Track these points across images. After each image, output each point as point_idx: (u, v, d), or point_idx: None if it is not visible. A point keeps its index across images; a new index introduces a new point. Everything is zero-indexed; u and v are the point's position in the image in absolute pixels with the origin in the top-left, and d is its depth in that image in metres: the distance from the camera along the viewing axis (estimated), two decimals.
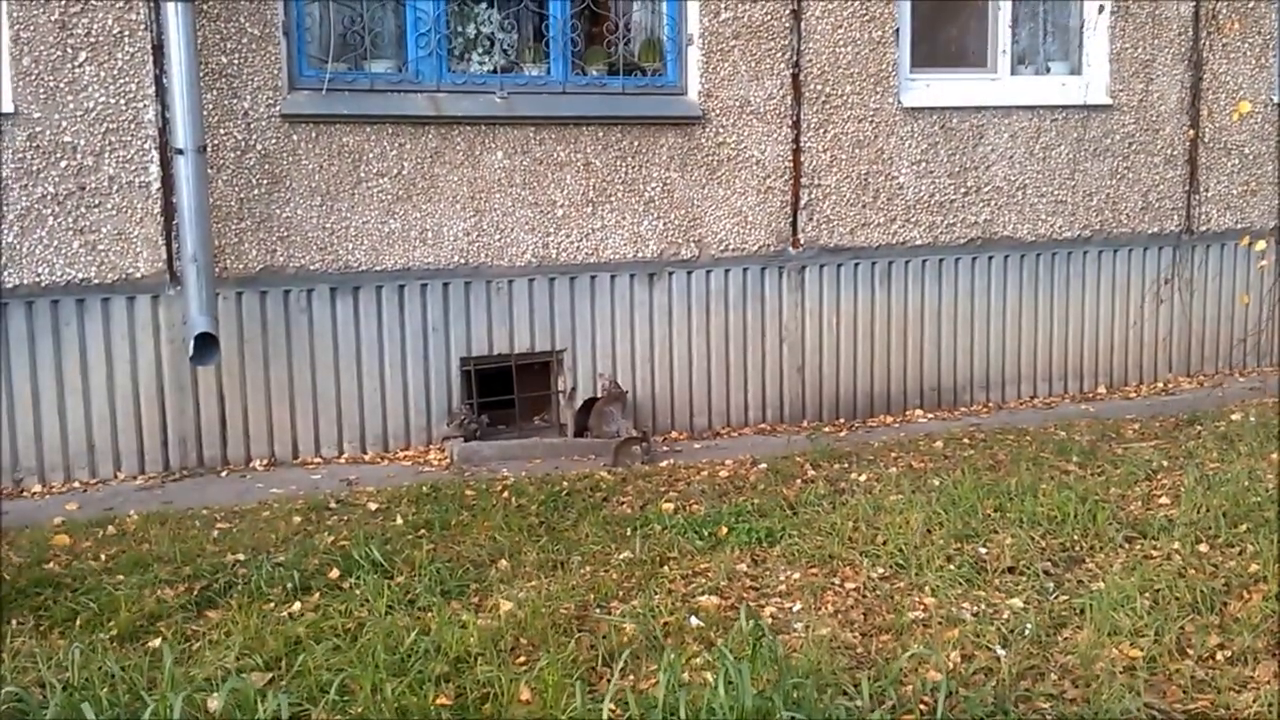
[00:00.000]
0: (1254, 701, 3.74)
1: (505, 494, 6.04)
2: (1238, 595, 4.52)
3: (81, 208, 6.27)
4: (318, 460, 6.81)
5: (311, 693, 3.77)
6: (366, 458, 6.89)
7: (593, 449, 6.98)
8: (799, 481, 6.21)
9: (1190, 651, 4.09)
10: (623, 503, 5.93)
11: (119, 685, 3.81)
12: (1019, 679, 3.93)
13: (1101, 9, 7.95)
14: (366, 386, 6.89)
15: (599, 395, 7.24)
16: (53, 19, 6.10)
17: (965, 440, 7.02)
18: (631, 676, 3.93)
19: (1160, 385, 8.60)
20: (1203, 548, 4.97)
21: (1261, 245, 6.68)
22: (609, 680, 3.77)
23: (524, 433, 7.25)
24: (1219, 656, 4.07)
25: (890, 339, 7.93)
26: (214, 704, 3.59)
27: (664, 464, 6.70)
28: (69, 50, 6.15)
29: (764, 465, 6.53)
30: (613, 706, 3.62)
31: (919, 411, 8.00)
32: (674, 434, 7.48)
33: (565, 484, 6.21)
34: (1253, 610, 4.34)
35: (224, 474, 6.60)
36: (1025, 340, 8.29)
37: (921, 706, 3.64)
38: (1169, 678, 3.93)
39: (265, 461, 6.72)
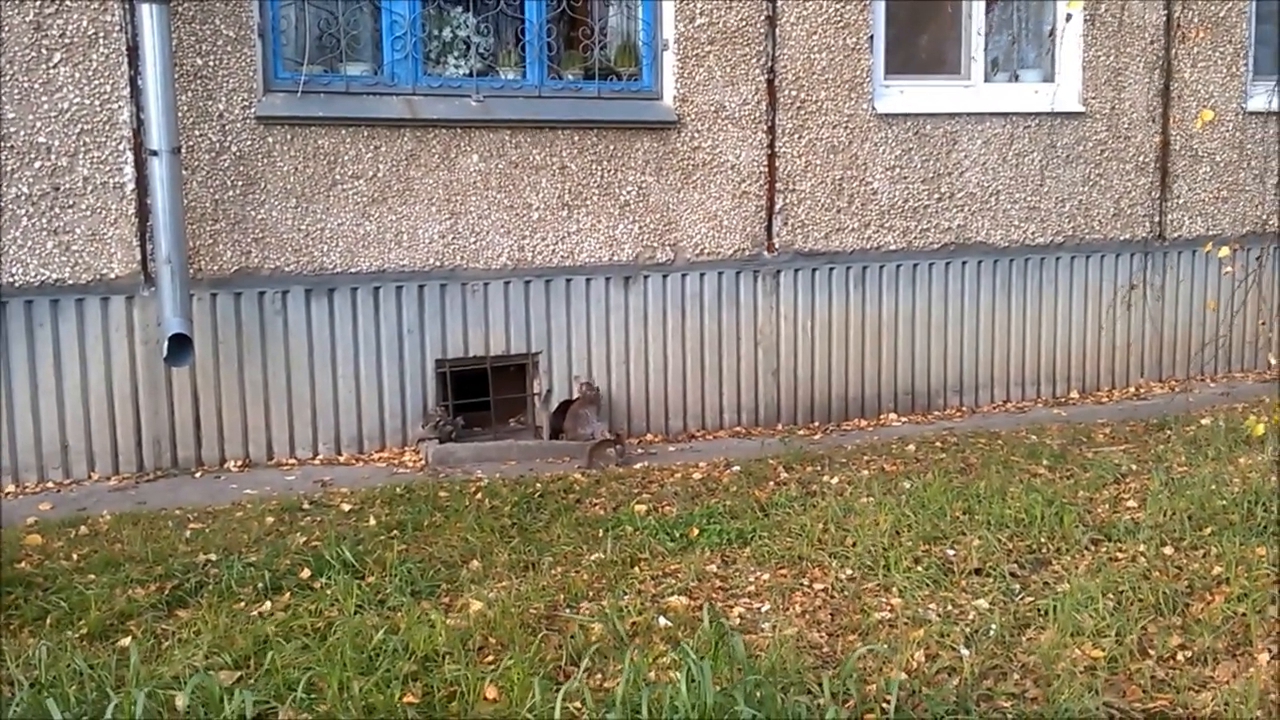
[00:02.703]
0: (1212, 701, 3.79)
1: (479, 495, 6.06)
2: (1200, 597, 4.57)
3: (56, 208, 6.28)
4: (292, 461, 6.82)
5: (279, 691, 3.79)
6: (341, 459, 6.90)
7: (567, 451, 7.01)
8: (771, 484, 6.25)
9: (1151, 652, 4.13)
10: (595, 504, 5.95)
11: (86, 683, 3.82)
12: (981, 678, 3.97)
13: (1069, 17, 8.02)
14: (342, 388, 6.91)
15: (574, 398, 7.28)
16: (27, 20, 6.11)
17: (937, 444, 7.07)
18: (599, 675, 3.96)
19: (1132, 390, 8.67)
20: (1167, 550, 5.02)
21: (1226, 251, 6.74)
22: (575, 679, 3.80)
23: (499, 435, 7.27)
24: (1180, 657, 4.11)
25: (864, 343, 7.98)
26: (181, 701, 3.60)
27: (638, 466, 6.73)
28: (44, 51, 6.16)
29: (737, 468, 6.57)
30: (578, 705, 3.65)
31: (893, 415, 8.06)
32: (649, 436, 7.51)
33: (539, 486, 6.24)
34: (1214, 612, 4.39)
35: (198, 475, 6.60)
36: (998, 345, 8.35)
37: (884, 705, 3.68)
38: (1129, 677, 3.97)
39: (240, 462, 6.73)
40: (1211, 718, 3.72)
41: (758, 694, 3.57)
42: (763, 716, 3.43)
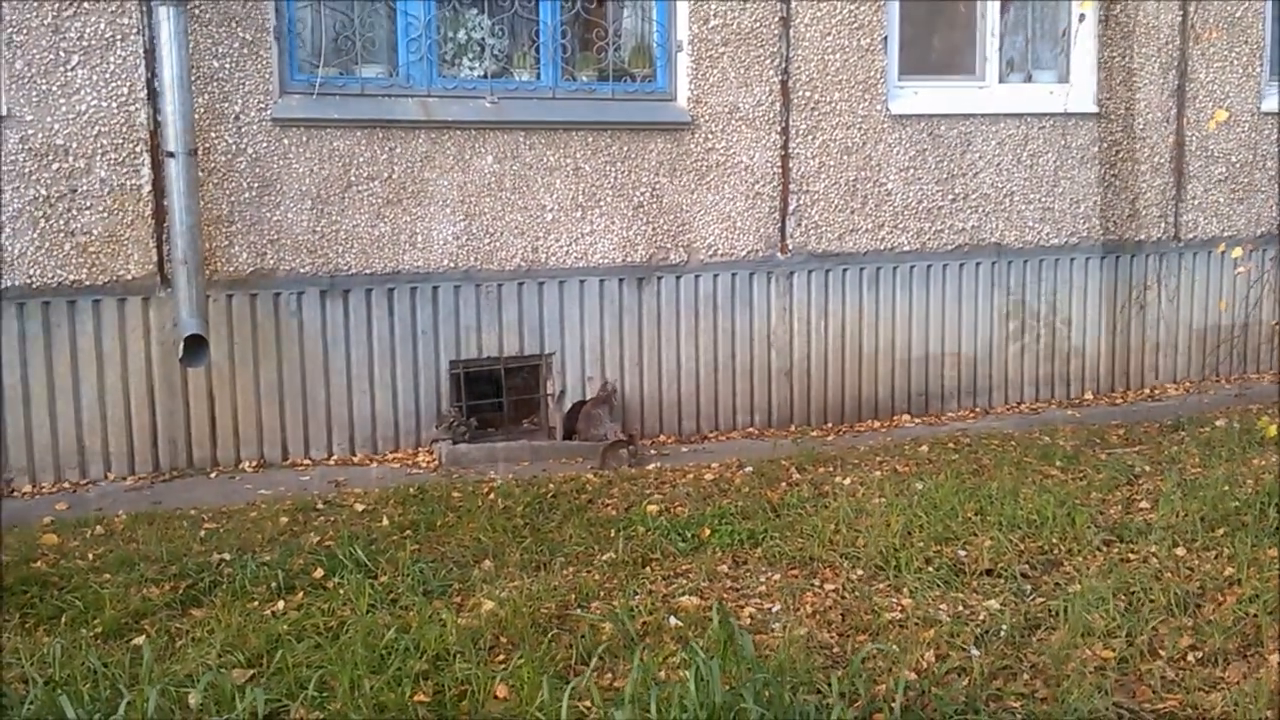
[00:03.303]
0: (1222, 701, 3.78)
1: (491, 495, 6.08)
2: (1212, 598, 4.57)
3: (73, 210, 6.32)
4: (307, 462, 6.85)
5: (291, 689, 3.81)
6: (355, 459, 6.93)
7: (580, 452, 7.03)
8: (783, 485, 6.26)
9: (1162, 652, 4.13)
10: (608, 505, 5.97)
11: (100, 681, 3.85)
12: (991, 678, 3.97)
13: (1082, 17, 8.00)
14: (356, 389, 6.94)
15: (587, 398, 7.29)
16: (45, 22, 6.15)
17: (950, 445, 7.07)
18: (609, 674, 3.97)
19: (1146, 391, 8.65)
20: (1179, 551, 5.02)
21: (1238, 252, 6.73)
22: (584, 678, 3.82)
23: (512, 435, 7.29)
24: (1190, 657, 4.11)
25: (878, 344, 7.98)
26: (193, 699, 3.63)
27: (650, 467, 6.74)
28: (62, 53, 6.20)
29: (749, 469, 6.57)
30: (587, 704, 3.66)
31: (906, 417, 8.05)
32: (662, 437, 7.52)
33: (551, 486, 6.26)
34: (1226, 612, 4.39)
35: (213, 475, 6.64)
36: (1012, 346, 8.33)
37: (892, 705, 3.68)
38: (1140, 678, 3.97)
39: (255, 463, 6.77)
40: (1221, 718, 3.72)
41: (766, 693, 3.58)
42: (770, 715, 3.44)
